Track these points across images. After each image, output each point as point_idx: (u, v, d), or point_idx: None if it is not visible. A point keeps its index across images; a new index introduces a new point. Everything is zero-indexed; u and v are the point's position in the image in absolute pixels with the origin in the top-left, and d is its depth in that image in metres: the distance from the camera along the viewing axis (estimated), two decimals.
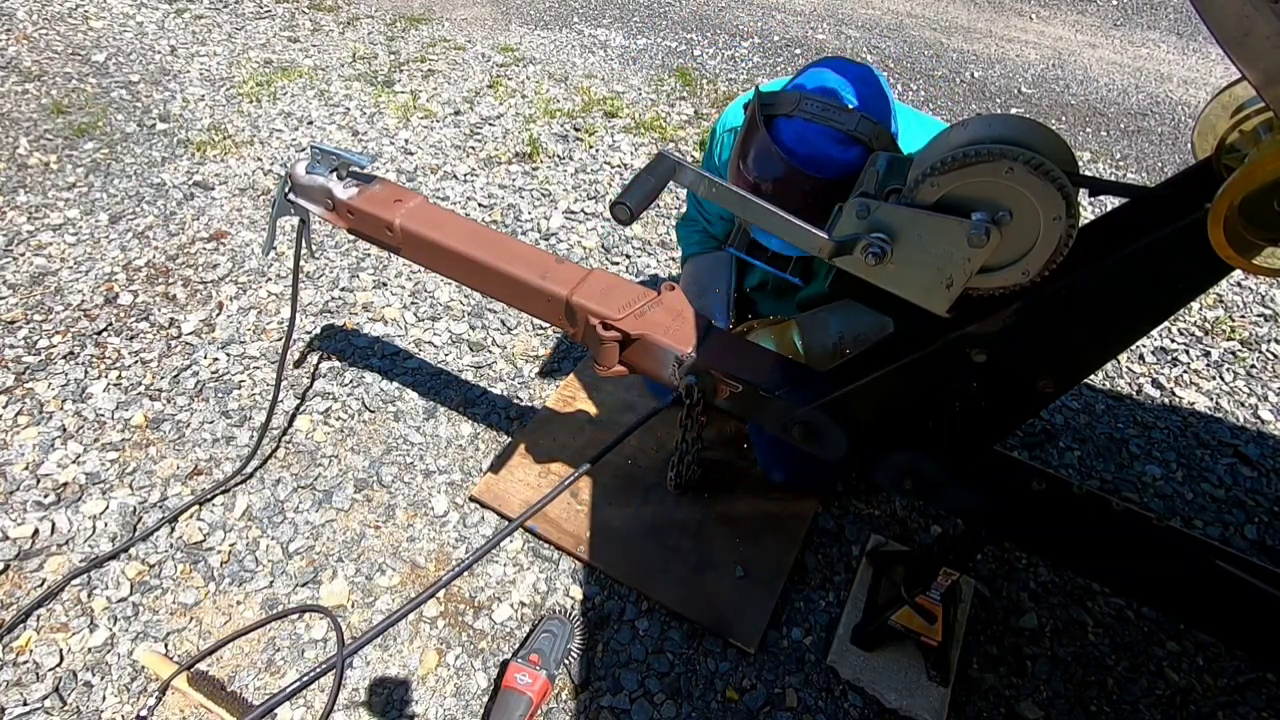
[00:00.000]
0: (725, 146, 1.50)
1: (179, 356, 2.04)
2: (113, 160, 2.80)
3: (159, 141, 2.94)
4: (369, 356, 2.09)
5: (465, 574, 1.59)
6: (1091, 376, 2.02)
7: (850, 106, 1.08)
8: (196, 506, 1.67)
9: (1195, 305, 2.50)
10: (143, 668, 1.40)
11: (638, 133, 3.23)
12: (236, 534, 1.64)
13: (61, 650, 1.43)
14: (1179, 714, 1.45)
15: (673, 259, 2.57)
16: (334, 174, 1.38)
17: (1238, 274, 2.46)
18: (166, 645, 1.45)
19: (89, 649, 1.43)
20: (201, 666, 1.41)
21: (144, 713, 1.32)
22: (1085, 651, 1.53)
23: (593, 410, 1.92)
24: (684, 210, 1.77)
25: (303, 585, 1.55)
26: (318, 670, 1.36)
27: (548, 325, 2.06)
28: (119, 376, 1.97)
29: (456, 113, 3.32)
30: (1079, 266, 0.80)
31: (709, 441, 1.79)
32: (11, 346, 2.01)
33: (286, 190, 1.43)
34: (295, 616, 1.50)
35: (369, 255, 2.43)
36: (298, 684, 1.33)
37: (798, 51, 4.15)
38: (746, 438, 1.82)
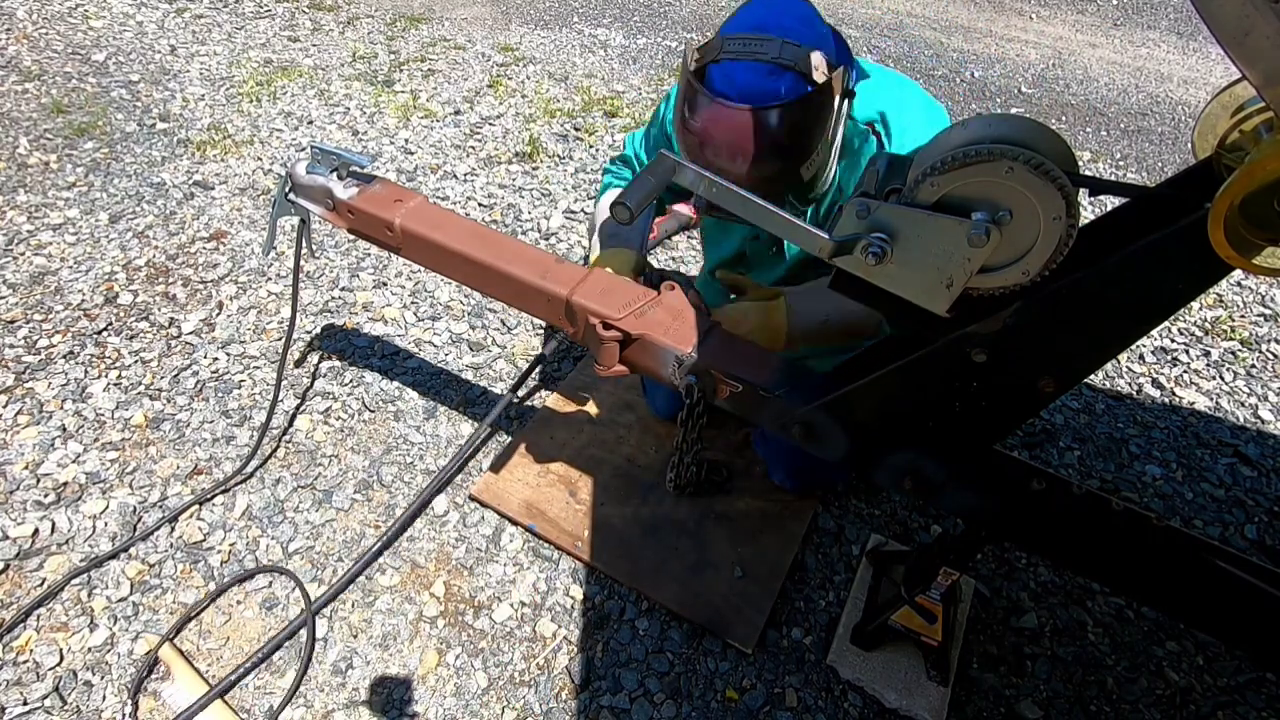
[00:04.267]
0: (669, 101, 1.50)
1: (179, 356, 2.04)
2: (113, 160, 2.80)
3: (159, 141, 2.94)
4: (369, 356, 2.09)
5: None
6: (1091, 376, 2.02)
7: (771, 37, 1.09)
8: (196, 506, 1.67)
9: (1195, 305, 2.50)
10: (155, 660, 1.42)
11: None
12: (236, 533, 1.64)
13: (61, 650, 1.43)
14: (1179, 714, 1.45)
15: (673, 258, 2.57)
16: (334, 174, 1.38)
17: (1238, 274, 2.46)
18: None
19: (89, 648, 1.43)
20: (202, 666, 1.42)
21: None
22: (1085, 651, 1.53)
23: (593, 410, 1.92)
24: (622, 152, 1.69)
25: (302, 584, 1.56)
26: (286, 630, 1.44)
27: (548, 325, 2.06)
28: (119, 376, 1.97)
29: (456, 112, 3.32)
30: (1079, 266, 0.80)
31: (708, 441, 1.79)
32: (11, 346, 2.01)
33: (286, 190, 1.43)
34: (263, 580, 1.56)
35: (369, 255, 2.43)
36: (270, 647, 1.42)
37: None
38: (749, 442, 1.83)
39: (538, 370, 2.09)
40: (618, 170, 1.67)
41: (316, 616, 1.49)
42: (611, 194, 1.61)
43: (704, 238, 1.78)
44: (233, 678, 1.38)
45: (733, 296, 1.49)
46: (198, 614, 1.49)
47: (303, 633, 1.47)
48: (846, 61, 1.18)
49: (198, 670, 1.40)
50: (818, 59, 1.08)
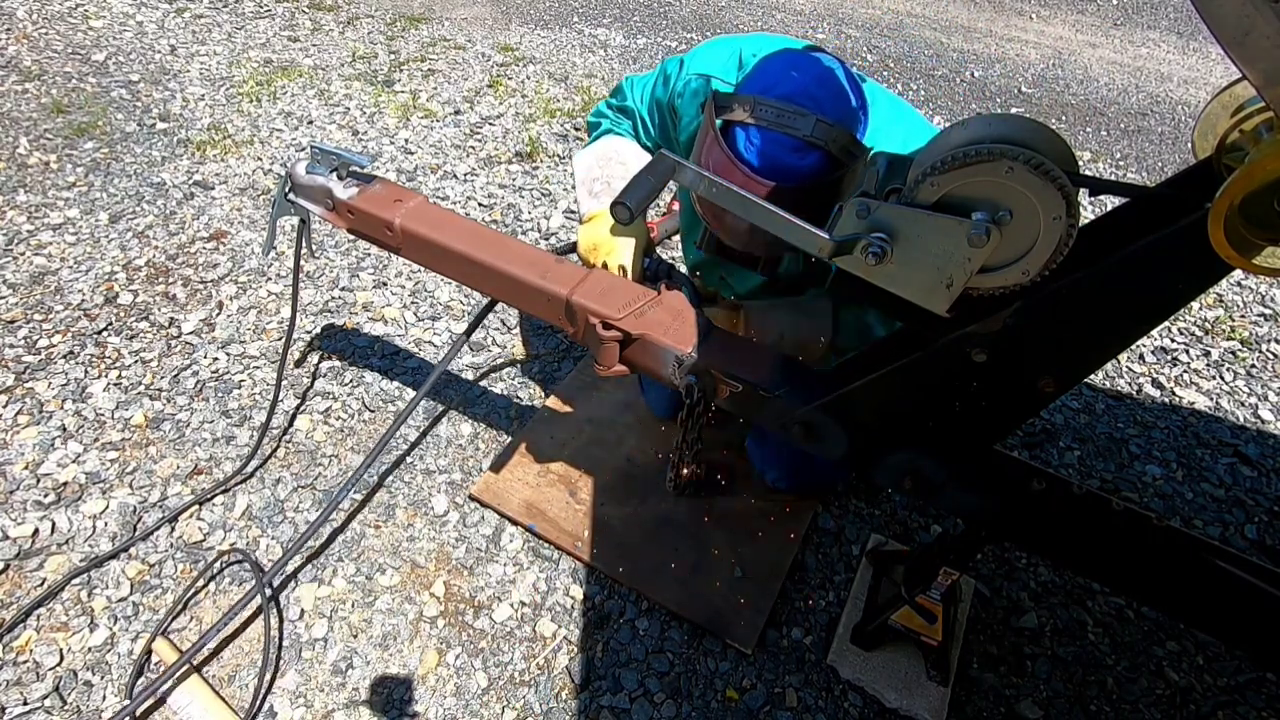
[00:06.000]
0: (688, 99, 1.42)
1: (179, 356, 2.04)
2: (113, 160, 2.80)
3: (159, 141, 2.94)
4: (369, 356, 2.09)
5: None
6: (1091, 376, 2.02)
7: (806, 111, 1.05)
8: (196, 506, 1.67)
9: (1195, 305, 2.50)
10: (149, 653, 1.43)
11: None
12: (237, 533, 1.64)
13: (62, 650, 1.43)
14: (1179, 714, 1.45)
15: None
16: (334, 174, 1.38)
17: (1238, 274, 2.46)
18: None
19: (89, 648, 1.43)
20: (197, 659, 1.42)
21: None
22: (1085, 651, 1.53)
23: (593, 410, 1.92)
24: (611, 99, 1.57)
25: (302, 585, 1.56)
26: (241, 601, 1.43)
27: (548, 325, 2.06)
28: (119, 376, 1.97)
29: (456, 112, 3.32)
30: (1079, 266, 0.80)
31: (708, 442, 1.79)
32: (11, 346, 2.01)
33: (286, 190, 1.43)
34: (222, 564, 1.58)
35: (369, 255, 2.43)
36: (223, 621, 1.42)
37: None
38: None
39: (537, 370, 2.09)
40: (615, 119, 1.57)
41: (278, 594, 1.52)
42: (609, 144, 1.53)
43: (683, 237, 1.76)
44: (204, 655, 1.40)
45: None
46: (178, 613, 1.49)
47: (304, 635, 1.48)
48: (866, 116, 1.14)
49: (194, 666, 1.40)
50: (848, 140, 1.05)
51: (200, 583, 1.54)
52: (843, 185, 1.08)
